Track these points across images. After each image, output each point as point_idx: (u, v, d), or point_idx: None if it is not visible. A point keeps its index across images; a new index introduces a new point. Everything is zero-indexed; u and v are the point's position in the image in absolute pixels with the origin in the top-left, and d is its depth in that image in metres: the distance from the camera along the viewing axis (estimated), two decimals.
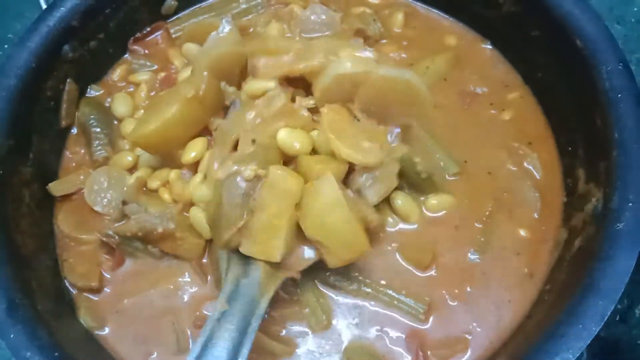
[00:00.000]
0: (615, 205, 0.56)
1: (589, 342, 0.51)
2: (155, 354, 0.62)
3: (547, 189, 0.68)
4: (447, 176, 0.69)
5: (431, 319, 0.62)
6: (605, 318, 0.51)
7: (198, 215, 0.64)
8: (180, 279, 0.65)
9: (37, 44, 0.70)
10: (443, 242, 0.65)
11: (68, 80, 0.75)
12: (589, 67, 0.64)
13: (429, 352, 0.60)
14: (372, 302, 0.63)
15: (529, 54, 0.75)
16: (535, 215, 0.67)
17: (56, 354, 0.54)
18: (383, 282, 0.63)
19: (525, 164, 0.70)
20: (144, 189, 0.68)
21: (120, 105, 0.75)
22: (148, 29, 0.81)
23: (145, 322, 0.64)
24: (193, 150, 0.66)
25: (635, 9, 0.93)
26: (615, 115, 0.61)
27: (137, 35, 0.81)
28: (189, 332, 0.63)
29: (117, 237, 0.65)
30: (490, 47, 0.79)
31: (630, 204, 0.55)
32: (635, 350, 0.70)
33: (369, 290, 0.63)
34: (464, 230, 0.66)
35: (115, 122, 0.75)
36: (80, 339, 0.62)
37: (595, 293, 0.52)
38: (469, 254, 0.65)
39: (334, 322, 0.62)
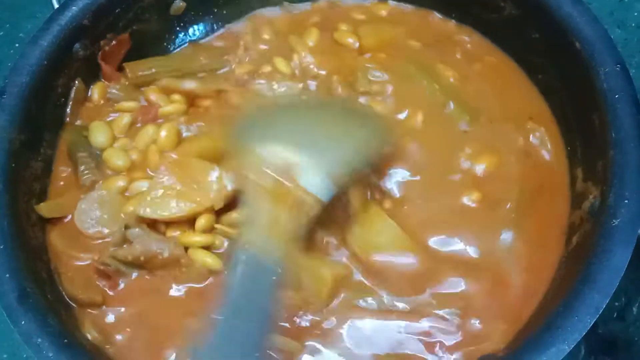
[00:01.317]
0: (612, 202, 0.57)
1: (584, 334, 0.52)
2: None
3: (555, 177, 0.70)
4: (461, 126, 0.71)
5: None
6: (600, 311, 0.52)
7: (199, 255, 0.64)
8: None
9: (48, 42, 0.71)
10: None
11: (77, 79, 0.76)
12: (587, 69, 0.65)
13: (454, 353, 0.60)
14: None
15: (529, 56, 0.76)
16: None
17: (65, 340, 0.55)
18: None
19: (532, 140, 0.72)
20: None
21: (99, 135, 0.73)
22: (114, 42, 0.78)
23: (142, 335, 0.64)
24: None
25: (636, 14, 0.95)
26: (612, 116, 0.62)
27: (105, 49, 0.78)
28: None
29: (112, 265, 0.64)
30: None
31: (626, 201, 0.56)
32: (632, 347, 0.71)
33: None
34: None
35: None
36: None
37: (591, 286, 0.53)
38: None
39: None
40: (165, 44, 0.85)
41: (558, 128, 0.72)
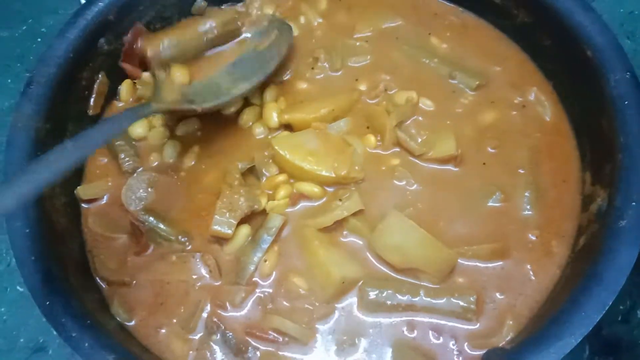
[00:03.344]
0: (619, 204, 0.59)
1: (590, 331, 0.53)
2: (165, 329, 0.65)
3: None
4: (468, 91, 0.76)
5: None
6: (607, 307, 0.54)
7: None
8: (202, 271, 0.68)
9: (75, 35, 0.74)
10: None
11: (101, 72, 0.79)
12: (598, 76, 0.67)
13: (465, 344, 0.62)
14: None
15: (541, 63, 0.78)
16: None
17: (88, 321, 0.58)
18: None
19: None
20: None
21: (137, 126, 0.77)
22: (130, 37, 0.79)
23: (160, 305, 0.67)
24: None
25: None
26: (621, 121, 0.64)
27: (125, 51, 0.80)
28: (203, 316, 0.66)
29: (147, 223, 0.69)
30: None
31: (633, 203, 0.58)
32: (636, 349, 0.72)
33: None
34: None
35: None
36: (107, 311, 0.66)
37: (598, 283, 0.55)
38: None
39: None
40: None
41: (553, 89, 0.76)
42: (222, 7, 0.86)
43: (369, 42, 0.81)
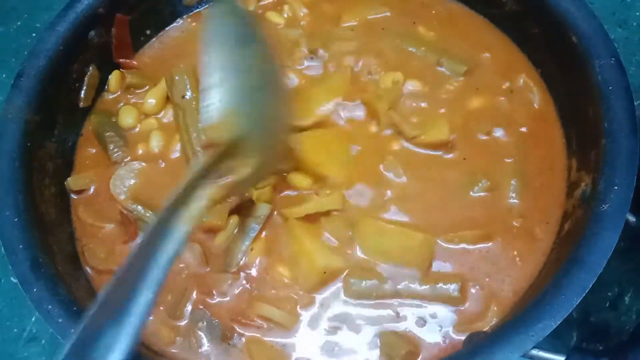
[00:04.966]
0: (602, 189, 0.59)
1: (570, 312, 0.54)
2: (151, 317, 0.65)
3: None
4: (455, 78, 0.76)
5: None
6: (587, 290, 0.54)
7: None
8: (189, 259, 0.68)
9: (65, 28, 0.75)
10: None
11: (91, 65, 0.79)
12: (583, 62, 0.67)
13: (450, 330, 0.63)
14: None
15: (528, 51, 0.78)
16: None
17: (74, 308, 0.59)
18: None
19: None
20: None
21: (127, 117, 0.78)
22: (114, 31, 0.79)
23: None
24: None
25: (638, 14, 0.96)
26: (606, 107, 0.64)
27: (115, 48, 0.80)
28: (189, 304, 0.66)
29: (135, 212, 0.70)
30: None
31: (616, 187, 0.58)
32: (623, 335, 0.72)
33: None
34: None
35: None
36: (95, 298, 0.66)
37: (580, 267, 0.55)
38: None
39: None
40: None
41: (540, 77, 0.76)
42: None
43: (354, 31, 0.81)
